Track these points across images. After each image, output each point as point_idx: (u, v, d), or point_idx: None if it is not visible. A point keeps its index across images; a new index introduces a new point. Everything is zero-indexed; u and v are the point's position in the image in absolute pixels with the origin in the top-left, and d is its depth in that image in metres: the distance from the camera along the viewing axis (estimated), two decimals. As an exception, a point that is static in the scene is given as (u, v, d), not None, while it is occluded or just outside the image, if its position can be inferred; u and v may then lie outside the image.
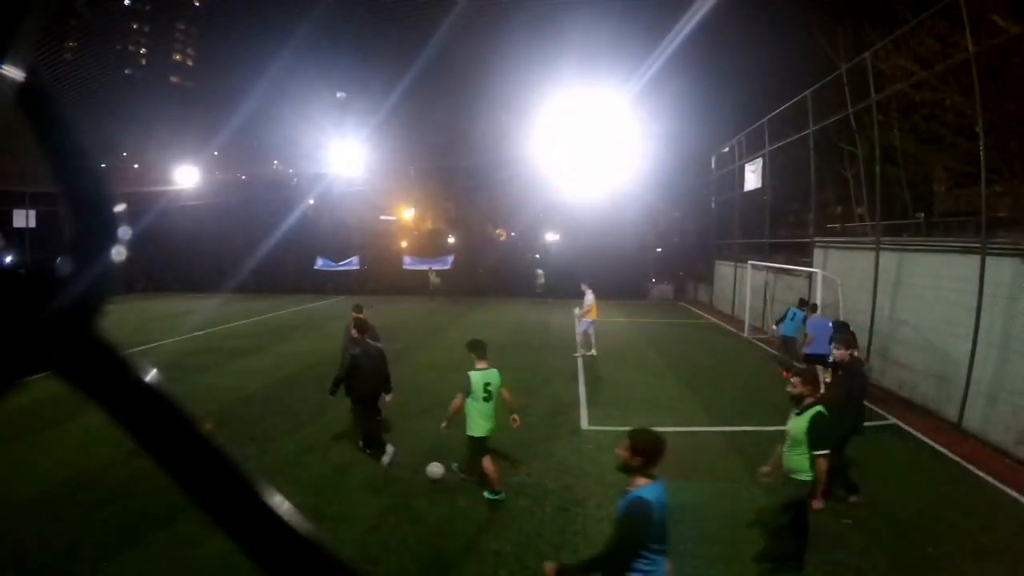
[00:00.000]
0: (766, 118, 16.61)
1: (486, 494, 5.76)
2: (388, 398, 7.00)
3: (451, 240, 30.78)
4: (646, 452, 2.95)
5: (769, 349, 13.76)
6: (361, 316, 7.60)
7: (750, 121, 18.26)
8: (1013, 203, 13.04)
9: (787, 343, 10.90)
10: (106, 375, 0.33)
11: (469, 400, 5.58)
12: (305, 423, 8.05)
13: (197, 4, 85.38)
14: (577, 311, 12.83)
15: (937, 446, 7.46)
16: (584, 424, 8.17)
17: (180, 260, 27.32)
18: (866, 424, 8.29)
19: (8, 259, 0.35)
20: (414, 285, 25.64)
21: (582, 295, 12.84)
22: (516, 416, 5.82)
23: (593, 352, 12.53)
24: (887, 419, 8.61)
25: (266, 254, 24.21)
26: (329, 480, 6.27)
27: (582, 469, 6.56)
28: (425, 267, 26.14)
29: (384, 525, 5.28)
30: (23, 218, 25.18)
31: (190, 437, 0.34)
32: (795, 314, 10.80)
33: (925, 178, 15.71)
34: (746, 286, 16.68)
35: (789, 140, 15.39)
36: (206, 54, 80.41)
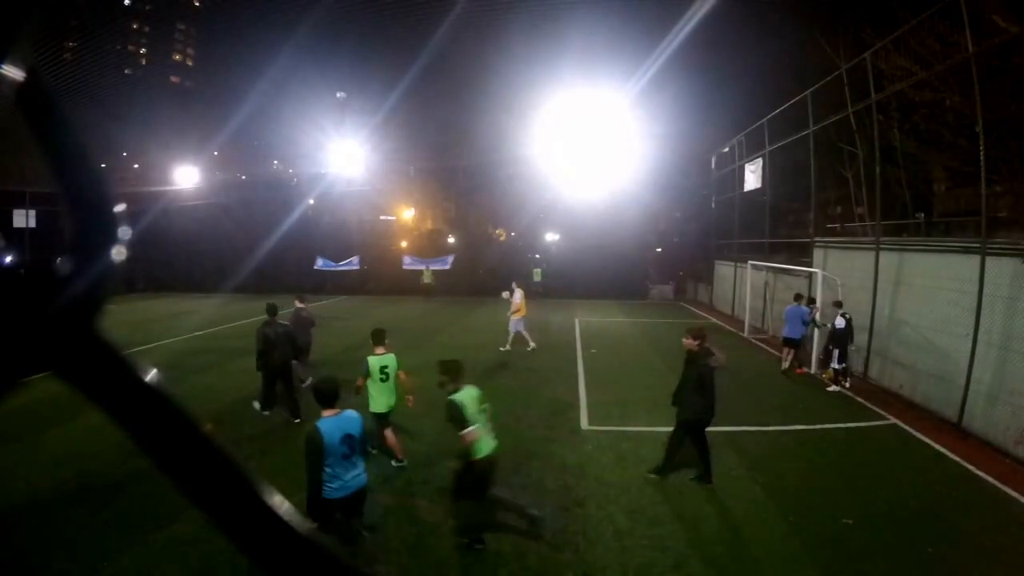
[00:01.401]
0: (766, 118, 16.59)
1: (392, 463, 6.45)
2: (305, 378, 9.12)
3: (451, 240, 30.78)
4: (320, 396, 4.28)
5: (769, 348, 13.77)
6: (302, 304, 9.80)
7: (750, 121, 18.25)
8: (1013, 203, 13.02)
9: (836, 337, 10.82)
10: (106, 375, 0.33)
11: (369, 381, 6.39)
12: (305, 423, 8.05)
13: (197, 4, 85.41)
14: (505, 294, 13.46)
15: (937, 446, 7.46)
16: (584, 424, 8.17)
17: (180, 260, 27.32)
18: (866, 424, 8.41)
19: (8, 259, 0.35)
20: (414, 285, 25.64)
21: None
22: (410, 396, 6.53)
23: (508, 345, 13.22)
24: (887, 419, 8.61)
25: (266, 254, 24.23)
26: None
27: (582, 469, 6.56)
28: (423, 267, 26.07)
29: (384, 525, 5.29)
30: (23, 218, 25.20)
31: (190, 437, 0.34)
32: (803, 313, 11.27)
33: (925, 178, 15.68)
34: (746, 286, 16.68)
35: (789, 140, 15.38)
36: (206, 54, 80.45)
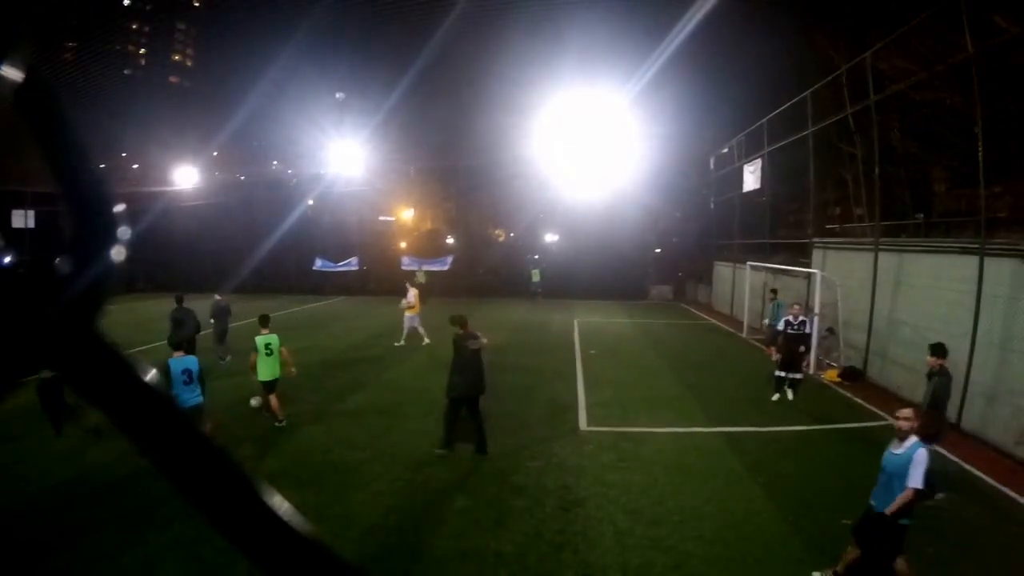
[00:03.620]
0: (765, 119, 16.59)
1: (275, 423, 7.77)
2: (224, 356, 11.91)
3: (450, 240, 30.75)
4: (174, 344, 6.95)
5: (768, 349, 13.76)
6: (220, 297, 12.38)
7: (749, 122, 18.25)
8: (1013, 203, 13.03)
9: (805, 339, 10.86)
10: (106, 375, 0.33)
11: (256, 355, 7.82)
12: (304, 423, 8.06)
13: (197, 4, 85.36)
14: (403, 303, 14.33)
15: (937, 446, 7.45)
16: (584, 424, 8.17)
17: (180, 260, 27.29)
18: (866, 424, 8.41)
19: (8, 259, 0.35)
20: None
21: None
22: (292, 369, 8.25)
23: (403, 340, 13.90)
24: (886, 419, 8.60)
25: (266, 254, 24.20)
26: (329, 480, 6.27)
27: (582, 469, 6.56)
28: (418, 267, 25.90)
29: (384, 525, 5.29)
30: (23, 218, 25.18)
31: (189, 438, 0.34)
32: (779, 306, 11.81)
33: (925, 178, 15.68)
34: (745, 287, 16.68)
35: (788, 141, 15.38)
36: (206, 54, 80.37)
